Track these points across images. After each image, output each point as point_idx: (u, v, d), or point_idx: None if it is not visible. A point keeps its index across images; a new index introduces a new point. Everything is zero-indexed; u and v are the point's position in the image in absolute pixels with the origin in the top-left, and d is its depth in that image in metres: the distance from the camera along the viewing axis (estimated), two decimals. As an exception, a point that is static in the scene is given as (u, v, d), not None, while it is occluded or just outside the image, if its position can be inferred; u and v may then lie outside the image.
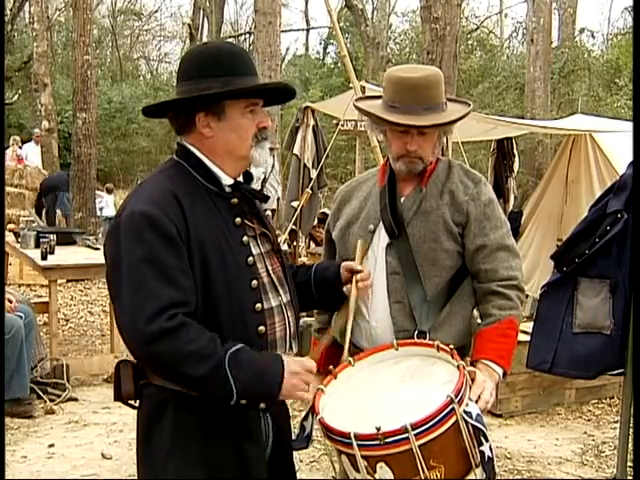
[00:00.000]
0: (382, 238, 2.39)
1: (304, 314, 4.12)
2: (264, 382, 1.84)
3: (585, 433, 4.89)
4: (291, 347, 2.06)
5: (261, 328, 1.94)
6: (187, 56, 2.06)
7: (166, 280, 1.79)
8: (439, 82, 2.36)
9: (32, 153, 14.98)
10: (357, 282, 2.22)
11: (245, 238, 1.98)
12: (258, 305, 1.95)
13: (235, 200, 1.99)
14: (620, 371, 2.89)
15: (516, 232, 8.04)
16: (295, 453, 2.17)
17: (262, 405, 1.87)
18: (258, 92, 2.00)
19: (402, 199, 2.41)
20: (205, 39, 25.68)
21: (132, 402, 1.99)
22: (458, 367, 1.95)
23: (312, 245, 9.24)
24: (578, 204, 7.21)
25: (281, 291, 2.04)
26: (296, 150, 8.38)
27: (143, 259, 1.80)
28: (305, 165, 8.35)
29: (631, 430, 2.89)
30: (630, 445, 2.89)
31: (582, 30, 24.43)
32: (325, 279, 2.26)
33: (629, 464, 3.01)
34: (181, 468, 1.90)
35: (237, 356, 1.81)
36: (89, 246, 6.64)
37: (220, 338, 1.85)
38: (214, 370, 1.78)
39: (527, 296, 7.04)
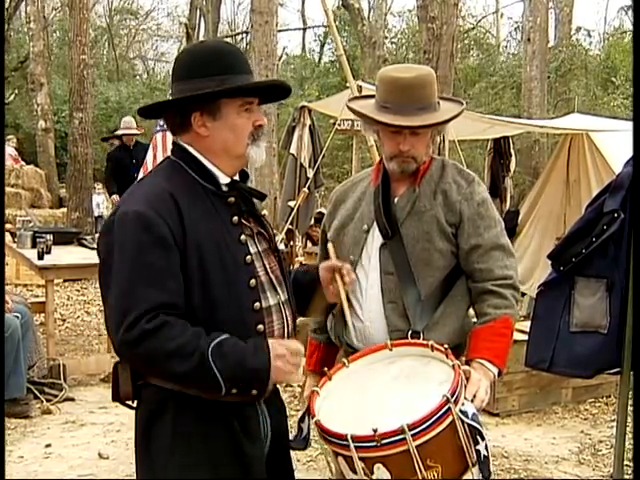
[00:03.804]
0: (376, 238, 2.39)
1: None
2: (250, 368, 1.83)
3: (582, 432, 4.88)
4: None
5: (260, 327, 1.94)
6: (182, 55, 2.05)
7: (154, 283, 1.80)
8: (432, 82, 2.36)
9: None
10: (342, 276, 2.21)
11: (243, 237, 1.97)
12: (257, 304, 1.94)
13: (232, 199, 1.99)
14: (617, 370, 2.89)
15: (513, 232, 8.03)
16: (292, 453, 2.18)
17: (254, 392, 1.86)
18: (253, 91, 1.99)
19: (396, 199, 2.41)
20: (202, 38, 25.63)
21: (130, 402, 1.99)
22: (453, 367, 1.95)
23: (309, 244, 9.23)
24: (581, 204, 7.21)
25: (279, 289, 2.04)
26: (293, 149, 8.35)
27: (133, 260, 1.80)
28: (302, 164, 8.32)
29: (628, 429, 2.89)
30: (627, 444, 2.90)
31: (578, 29, 24.38)
32: (305, 282, 2.24)
33: (626, 463, 3.02)
34: (181, 468, 1.90)
35: (220, 347, 1.81)
36: (85, 246, 6.63)
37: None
38: (198, 364, 1.78)
39: (523, 295, 7.04)
